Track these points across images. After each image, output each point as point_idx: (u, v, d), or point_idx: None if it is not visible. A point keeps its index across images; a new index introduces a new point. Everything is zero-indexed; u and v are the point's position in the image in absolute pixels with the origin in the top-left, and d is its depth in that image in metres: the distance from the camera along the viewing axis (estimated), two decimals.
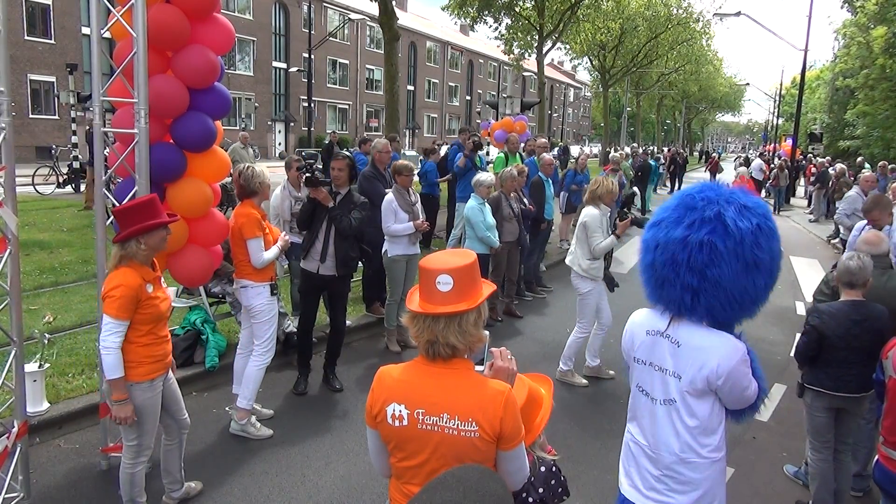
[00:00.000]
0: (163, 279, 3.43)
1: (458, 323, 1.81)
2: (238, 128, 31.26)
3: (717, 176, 30.62)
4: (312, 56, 30.71)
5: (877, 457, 3.15)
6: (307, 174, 4.97)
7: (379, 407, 1.88)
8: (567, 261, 5.97)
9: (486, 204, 6.86)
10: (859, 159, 22.71)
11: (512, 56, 25.91)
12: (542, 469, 1.94)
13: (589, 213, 5.61)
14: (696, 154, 65.56)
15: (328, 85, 44.28)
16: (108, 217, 3.94)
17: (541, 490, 1.89)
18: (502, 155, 10.33)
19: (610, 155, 11.61)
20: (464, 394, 1.81)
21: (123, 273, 3.11)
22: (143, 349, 3.19)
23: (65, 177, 17.58)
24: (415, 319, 1.86)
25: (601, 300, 5.81)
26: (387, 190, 6.88)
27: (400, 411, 1.84)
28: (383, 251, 6.30)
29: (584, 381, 5.87)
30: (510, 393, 1.82)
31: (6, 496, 3.41)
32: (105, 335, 3.09)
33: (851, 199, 8.87)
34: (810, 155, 27.95)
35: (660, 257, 2.24)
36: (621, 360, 2.58)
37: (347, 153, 6.10)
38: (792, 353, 4.02)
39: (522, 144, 11.23)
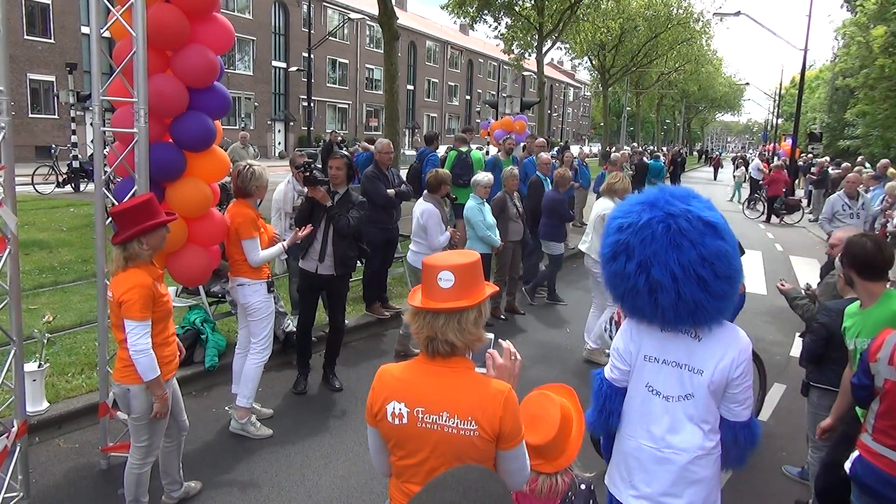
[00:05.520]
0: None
1: (457, 320, 1.82)
2: (238, 127, 31.31)
3: (719, 171, 30.63)
4: (312, 55, 30.68)
5: (857, 452, 2.89)
6: (305, 173, 4.97)
7: (379, 405, 1.88)
8: (584, 248, 6.42)
9: (485, 203, 6.87)
10: (859, 159, 22.71)
11: (512, 56, 25.83)
12: (583, 487, 1.92)
13: (606, 205, 6.01)
14: (695, 154, 65.60)
15: (328, 84, 44.27)
16: (108, 217, 3.95)
17: None
18: (479, 154, 10.18)
19: (612, 156, 11.60)
20: (464, 392, 1.81)
21: (134, 274, 3.11)
22: (155, 350, 3.18)
23: (64, 176, 17.61)
24: (416, 315, 1.87)
25: None
26: (390, 191, 6.87)
27: (400, 409, 1.84)
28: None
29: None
30: (510, 392, 1.82)
31: (6, 496, 3.41)
32: (134, 339, 3.08)
33: (832, 203, 8.27)
34: (810, 155, 27.92)
35: (686, 287, 2.13)
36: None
37: (345, 153, 6.13)
38: (791, 353, 4.01)
39: (522, 145, 11.20)
